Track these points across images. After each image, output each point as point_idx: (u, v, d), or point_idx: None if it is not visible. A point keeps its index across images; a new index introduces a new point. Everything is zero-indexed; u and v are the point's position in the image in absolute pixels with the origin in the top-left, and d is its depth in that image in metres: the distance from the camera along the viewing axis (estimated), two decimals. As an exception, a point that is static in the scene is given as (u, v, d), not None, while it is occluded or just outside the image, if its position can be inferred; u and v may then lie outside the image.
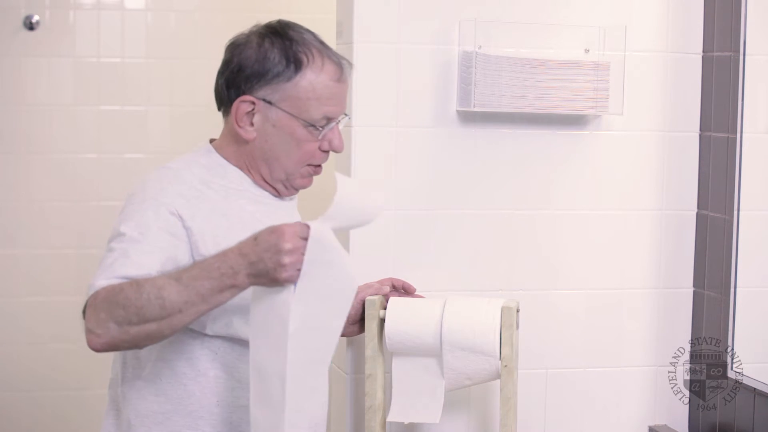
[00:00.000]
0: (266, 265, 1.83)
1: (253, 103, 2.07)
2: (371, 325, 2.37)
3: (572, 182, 2.73)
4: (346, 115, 2.16)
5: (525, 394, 2.63)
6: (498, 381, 2.36)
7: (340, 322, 1.91)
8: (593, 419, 2.77)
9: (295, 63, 2.07)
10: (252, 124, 2.09)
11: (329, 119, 2.10)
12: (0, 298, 4.08)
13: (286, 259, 1.82)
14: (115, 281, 1.89)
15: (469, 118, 2.65)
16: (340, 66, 2.10)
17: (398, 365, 2.40)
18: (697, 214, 2.78)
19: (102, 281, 1.89)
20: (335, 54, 2.12)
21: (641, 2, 2.73)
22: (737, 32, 2.61)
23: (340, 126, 2.14)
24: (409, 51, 2.61)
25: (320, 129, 2.09)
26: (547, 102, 2.62)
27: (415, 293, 2.49)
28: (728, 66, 2.66)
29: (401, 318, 2.35)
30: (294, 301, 1.85)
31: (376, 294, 2.41)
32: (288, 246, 1.82)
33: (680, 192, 2.78)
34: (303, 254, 1.83)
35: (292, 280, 1.84)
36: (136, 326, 1.85)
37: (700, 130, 2.77)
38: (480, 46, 2.58)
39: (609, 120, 2.73)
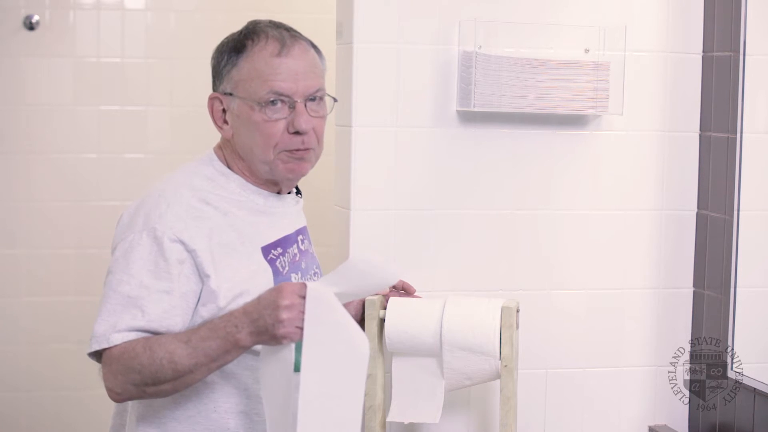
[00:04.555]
0: (266, 322, 1.86)
1: (219, 99, 2.12)
2: (371, 325, 2.37)
3: (572, 182, 2.73)
4: (333, 99, 2.16)
5: (525, 394, 2.64)
6: (498, 381, 2.35)
7: (357, 392, 1.89)
8: (593, 419, 2.77)
9: (238, 49, 2.09)
10: (226, 122, 2.12)
11: (279, 95, 2.06)
12: (0, 298, 4.08)
13: (284, 315, 1.85)
14: (129, 336, 1.94)
15: (469, 118, 2.65)
16: (281, 41, 2.08)
17: (398, 365, 2.40)
18: (697, 214, 2.78)
19: (115, 336, 1.94)
20: (287, 34, 2.10)
21: (641, 2, 2.73)
22: (737, 32, 2.61)
23: (317, 109, 2.11)
24: (409, 51, 2.61)
25: (274, 107, 2.06)
26: (547, 102, 2.62)
27: (415, 293, 2.49)
28: (728, 66, 2.66)
29: (401, 318, 2.35)
30: (303, 367, 1.85)
31: (376, 294, 2.40)
32: (285, 302, 1.85)
33: (680, 192, 2.78)
34: (302, 312, 1.85)
35: (292, 338, 1.87)
36: (153, 386, 1.93)
37: (700, 130, 2.77)
38: (480, 46, 2.58)
39: (609, 120, 2.73)
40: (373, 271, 1.94)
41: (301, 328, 1.85)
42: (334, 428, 1.88)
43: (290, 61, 2.08)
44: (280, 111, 2.07)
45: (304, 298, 1.86)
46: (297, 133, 2.07)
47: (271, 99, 2.06)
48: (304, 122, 2.07)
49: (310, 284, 1.87)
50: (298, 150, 2.09)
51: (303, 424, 1.85)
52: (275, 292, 1.88)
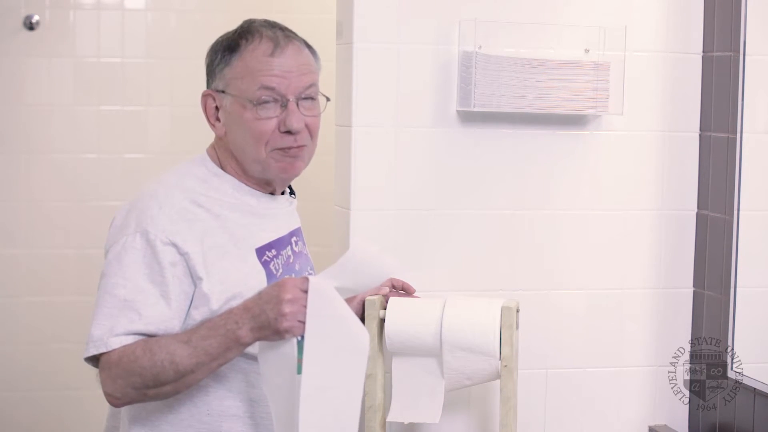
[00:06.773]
0: (268, 316, 1.87)
1: (212, 96, 2.11)
2: (371, 325, 2.37)
3: (572, 182, 2.73)
4: (326, 98, 2.15)
5: (525, 394, 2.64)
6: (498, 381, 2.35)
7: (356, 387, 1.90)
8: (593, 419, 2.77)
9: (231, 47, 2.08)
10: (219, 119, 2.11)
11: (270, 90, 2.04)
12: (0, 298, 4.08)
13: (287, 309, 1.85)
14: (127, 339, 1.93)
15: (469, 118, 2.65)
16: (275, 41, 2.07)
17: (398, 365, 2.40)
18: (697, 214, 2.78)
19: (113, 340, 1.93)
20: (281, 34, 2.09)
21: (641, 2, 2.73)
22: (737, 32, 2.61)
23: (308, 109, 2.09)
24: (409, 51, 2.61)
25: (266, 106, 2.05)
26: (547, 102, 2.62)
27: (415, 293, 2.49)
28: (728, 66, 2.66)
29: (401, 318, 2.35)
30: (305, 361, 1.86)
31: (376, 294, 2.40)
32: (288, 296, 1.86)
33: (680, 192, 2.78)
34: (305, 306, 1.86)
35: (294, 332, 1.87)
36: (154, 389, 1.93)
37: (700, 130, 2.77)
38: (480, 46, 2.58)
39: (609, 120, 2.73)
40: (372, 263, 1.95)
41: (303, 322, 1.86)
42: (335, 420, 1.89)
43: (283, 60, 2.06)
44: (272, 110, 2.06)
45: (306, 292, 1.86)
46: (288, 132, 2.06)
47: (263, 96, 2.04)
48: (295, 121, 2.06)
49: (312, 278, 1.88)
50: (290, 148, 2.08)
51: (305, 417, 1.85)
52: (277, 287, 1.88)
